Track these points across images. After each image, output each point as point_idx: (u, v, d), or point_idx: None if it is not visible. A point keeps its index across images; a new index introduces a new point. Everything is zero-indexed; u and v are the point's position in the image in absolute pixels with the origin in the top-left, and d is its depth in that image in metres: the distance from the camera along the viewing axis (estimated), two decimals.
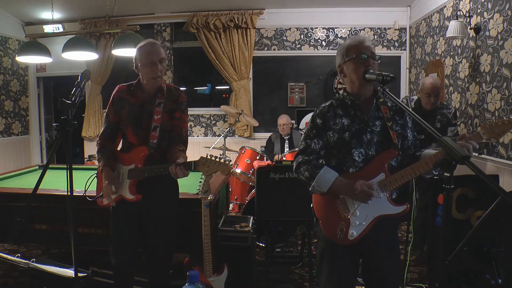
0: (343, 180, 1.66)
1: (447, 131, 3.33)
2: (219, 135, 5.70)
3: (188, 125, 5.86)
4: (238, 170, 4.30)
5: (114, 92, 2.24)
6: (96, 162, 2.41)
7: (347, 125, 1.72)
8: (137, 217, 2.18)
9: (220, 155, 4.79)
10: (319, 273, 1.85)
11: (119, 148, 2.31)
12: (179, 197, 2.40)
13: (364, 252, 1.76)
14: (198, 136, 6.04)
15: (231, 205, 4.42)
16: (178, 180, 2.12)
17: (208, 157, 1.97)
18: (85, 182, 2.34)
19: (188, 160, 2.03)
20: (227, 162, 1.95)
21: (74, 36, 4.10)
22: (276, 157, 4.55)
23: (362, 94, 1.73)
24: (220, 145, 4.87)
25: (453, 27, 3.56)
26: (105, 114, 2.26)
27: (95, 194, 2.28)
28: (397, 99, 1.56)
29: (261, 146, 5.20)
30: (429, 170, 1.58)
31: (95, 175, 2.32)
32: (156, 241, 2.22)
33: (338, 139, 1.72)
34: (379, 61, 1.70)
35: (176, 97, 2.21)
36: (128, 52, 3.83)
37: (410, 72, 5.53)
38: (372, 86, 1.73)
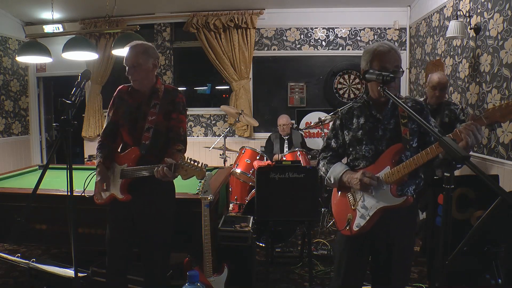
0: (350, 173, 1.81)
1: (456, 126, 3.37)
2: (219, 135, 5.70)
3: (188, 125, 5.97)
4: (238, 170, 4.29)
5: (115, 93, 2.30)
6: (96, 162, 2.43)
7: (362, 124, 1.84)
8: (130, 217, 2.19)
9: (220, 155, 4.81)
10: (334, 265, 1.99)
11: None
12: (179, 197, 2.40)
13: (373, 246, 1.82)
14: (198, 136, 6.04)
15: (231, 205, 4.41)
16: (178, 180, 2.11)
17: (188, 160, 1.95)
18: (84, 181, 2.35)
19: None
20: (203, 167, 1.93)
21: (74, 36, 4.10)
22: (275, 157, 4.55)
23: (380, 97, 1.77)
24: (220, 145, 4.87)
25: (453, 27, 3.56)
26: (106, 114, 2.33)
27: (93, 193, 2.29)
28: (397, 99, 1.56)
29: (261, 146, 5.20)
30: (435, 162, 1.62)
31: (94, 172, 2.33)
32: (151, 242, 2.20)
33: (352, 137, 1.86)
34: (401, 71, 1.75)
35: (173, 98, 2.20)
36: None
37: (410, 72, 5.52)
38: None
